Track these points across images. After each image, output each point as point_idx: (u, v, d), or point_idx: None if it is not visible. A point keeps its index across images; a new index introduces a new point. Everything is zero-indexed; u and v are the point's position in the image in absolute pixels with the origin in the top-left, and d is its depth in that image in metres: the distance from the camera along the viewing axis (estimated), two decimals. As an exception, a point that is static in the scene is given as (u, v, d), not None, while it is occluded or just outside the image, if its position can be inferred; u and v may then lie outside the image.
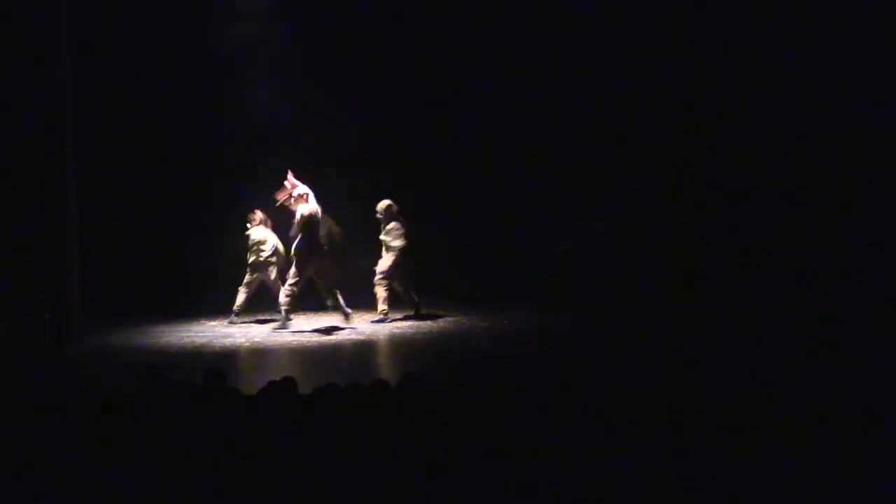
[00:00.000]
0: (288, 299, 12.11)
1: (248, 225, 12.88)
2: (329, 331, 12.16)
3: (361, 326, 12.33)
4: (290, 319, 12.26)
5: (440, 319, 12.77)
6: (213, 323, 12.94)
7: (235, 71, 14.67)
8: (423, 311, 12.86)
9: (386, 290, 12.65)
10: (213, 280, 13.77)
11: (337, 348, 11.30)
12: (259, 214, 12.87)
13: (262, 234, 12.84)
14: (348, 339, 11.69)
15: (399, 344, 11.41)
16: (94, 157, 13.24)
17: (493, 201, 15.12)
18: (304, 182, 12.23)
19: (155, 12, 14.47)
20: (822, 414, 5.64)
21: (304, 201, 12.05)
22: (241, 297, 12.82)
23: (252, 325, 12.65)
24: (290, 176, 12.19)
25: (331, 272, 12.40)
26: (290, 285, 12.07)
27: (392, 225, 12.71)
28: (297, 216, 12.03)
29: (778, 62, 13.73)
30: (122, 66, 14.45)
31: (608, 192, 14.67)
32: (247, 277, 12.83)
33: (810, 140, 13.58)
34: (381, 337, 11.78)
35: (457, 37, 14.96)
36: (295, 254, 12.04)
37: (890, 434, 5.43)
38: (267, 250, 12.80)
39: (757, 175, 14.07)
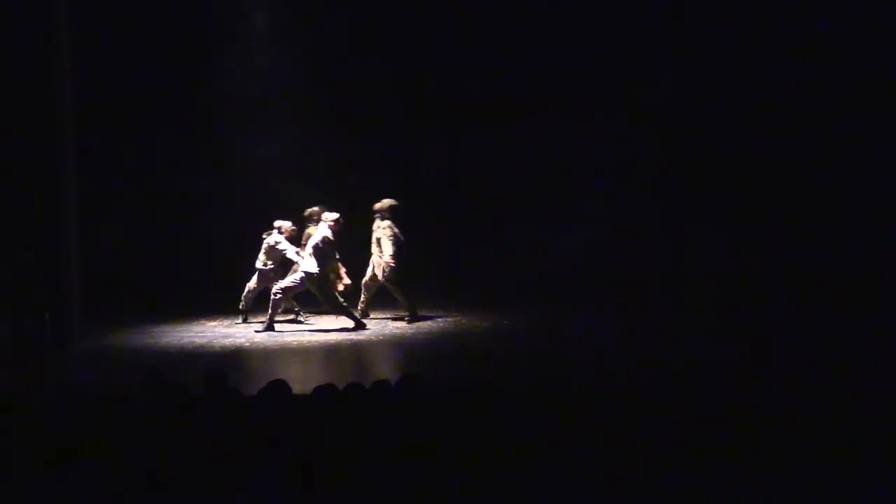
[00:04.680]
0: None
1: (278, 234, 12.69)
2: (329, 331, 12.16)
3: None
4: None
5: (440, 319, 12.76)
6: (213, 323, 12.94)
7: (236, 72, 14.69)
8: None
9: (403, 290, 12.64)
10: (214, 280, 13.76)
11: (337, 348, 11.30)
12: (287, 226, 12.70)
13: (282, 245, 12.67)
14: (348, 339, 11.69)
15: (399, 344, 11.41)
16: (94, 156, 13.24)
17: (492, 201, 15.14)
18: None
19: (156, 12, 14.47)
20: (818, 417, 5.64)
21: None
22: (248, 297, 12.82)
23: (254, 325, 12.61)
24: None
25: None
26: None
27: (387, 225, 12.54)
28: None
29: (776, 65, 13.73)
30: (123, 64, 14.45)
31: (607, 193, 14.68)
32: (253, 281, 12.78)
33: (811, 142, 13.57)
34: (381, 337, 11.78)
35: (458, 39, 14.96)
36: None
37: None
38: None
39: (755, 176, 14.06)
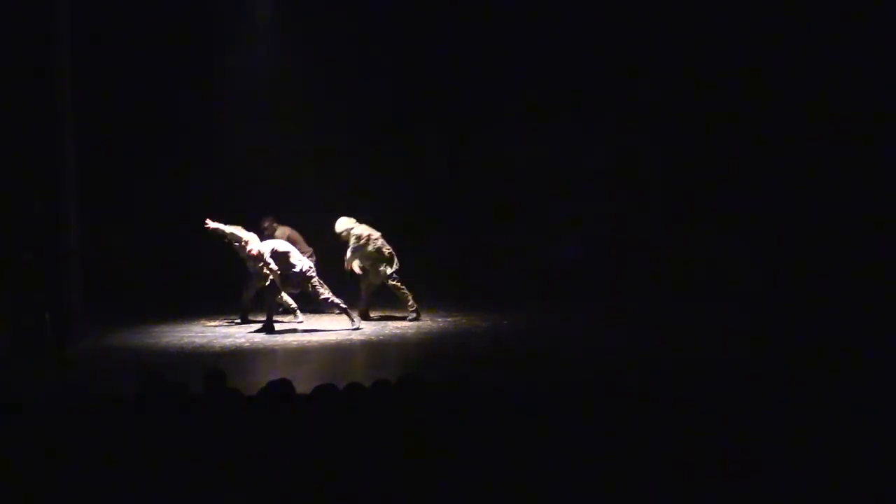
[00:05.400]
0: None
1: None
2: (329, 331, 12.16)
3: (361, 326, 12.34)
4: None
5: (440, 319, 12.77)
6: (213, 323, 12.94)
7: (236, 72, 14.71)
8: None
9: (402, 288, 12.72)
10: (214, 280, 13.76)
11: (337, 348, 11.30)
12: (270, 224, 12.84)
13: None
14: (348, 339, 11.69)
15: (399, 344, 11.42)
16: (94, 156, 13.23)
17: (493, 201, 15.15)
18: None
19: (157, 12, 14.47)
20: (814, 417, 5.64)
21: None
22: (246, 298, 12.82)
23: (254, 325, 12.60)
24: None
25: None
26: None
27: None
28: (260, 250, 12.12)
29: (778, 60, 13.73)
30: (123, 64, 14.45)
31: (607, 193, 14.68)
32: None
33: (811, 136, 13.56)
34: (381, 337, 11.78)
35: (458, 40, 14.98)
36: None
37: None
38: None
39: (758, 174, 14.05)
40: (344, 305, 12.18)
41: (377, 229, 12.80)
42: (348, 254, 12.64)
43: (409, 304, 12.71)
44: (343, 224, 12.73)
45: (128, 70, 14.48)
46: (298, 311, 12.67)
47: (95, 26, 13.45)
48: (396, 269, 12.70)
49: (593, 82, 14.60)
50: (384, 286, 12.81)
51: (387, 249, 12.71)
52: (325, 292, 12.12)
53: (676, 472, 5.16)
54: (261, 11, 14.82)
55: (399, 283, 12.72)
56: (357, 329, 12.06)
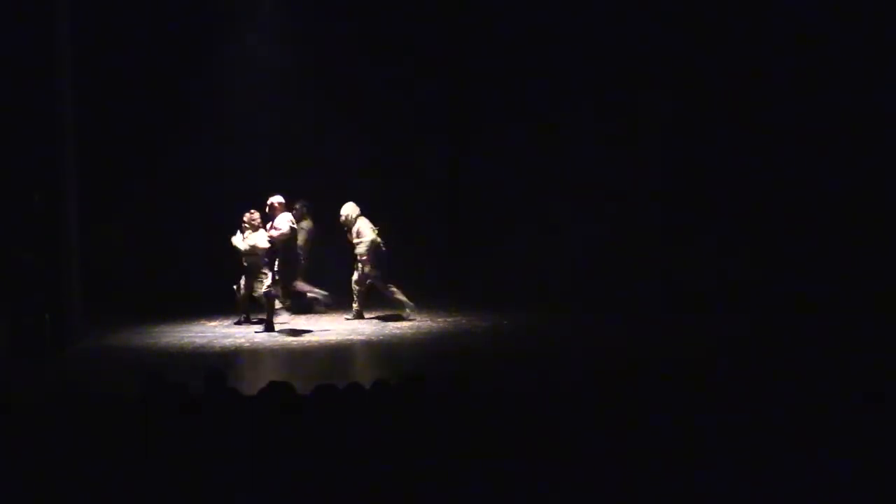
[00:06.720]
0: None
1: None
2: (329, 331, 12.17)
3: (361, 327, 12.34)
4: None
5: (440, 319, 12.78)
6: (213, 323, 12.94)
7: (237, 73, 14.72)
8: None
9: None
10: (214, 280, 13.75)
11: (337, 348, 11.30)
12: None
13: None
14: (349, 339, 11.70)
15: (399, 344, 11.43)
16: (94, 156, 13.23)
17: (493, 202, 15.14)
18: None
19: (158, 11, 14.47)
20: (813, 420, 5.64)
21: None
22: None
23: (255, 325, 12.61)
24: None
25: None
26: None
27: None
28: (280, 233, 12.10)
29: (775, 64, 13.71)
30: (123, 64, 14.45)
31: (607, 194, 14.67)
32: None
33: (810, 143, 13.54)
34: (381, 337, 11.79)
35: (459, 40, 14.99)
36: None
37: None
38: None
39: (755, 180, 14.02)
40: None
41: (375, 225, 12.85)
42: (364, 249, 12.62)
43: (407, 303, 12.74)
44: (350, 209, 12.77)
45: (128, 69, 14.48)
46: (325, 297, 12.75)
47: (96, 25, 13.44)
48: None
49: (593, 86, 14.59)
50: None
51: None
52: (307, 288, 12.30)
53: (675, 470, 5.16)
54: (263, 5, 14.83)
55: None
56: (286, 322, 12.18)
